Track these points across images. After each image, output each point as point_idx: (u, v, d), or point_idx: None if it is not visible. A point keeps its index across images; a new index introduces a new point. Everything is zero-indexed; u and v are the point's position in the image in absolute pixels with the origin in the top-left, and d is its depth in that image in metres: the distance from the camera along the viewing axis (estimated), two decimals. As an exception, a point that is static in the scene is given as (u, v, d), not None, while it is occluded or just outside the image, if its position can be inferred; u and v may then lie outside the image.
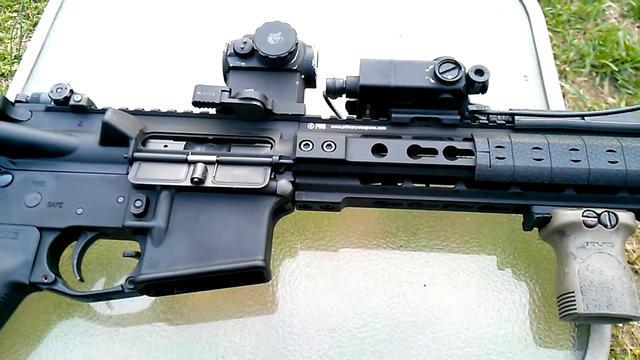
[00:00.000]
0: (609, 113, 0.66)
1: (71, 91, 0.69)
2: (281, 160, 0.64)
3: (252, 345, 0.65)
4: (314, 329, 0.66)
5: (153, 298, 0.67)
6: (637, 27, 1.85)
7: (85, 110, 0.69)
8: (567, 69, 1.72)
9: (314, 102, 0.72)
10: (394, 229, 0.72)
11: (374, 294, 0.68)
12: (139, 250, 0.62)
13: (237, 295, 0.67)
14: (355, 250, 0.71)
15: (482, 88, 0.65)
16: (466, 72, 0.64)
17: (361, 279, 0.69)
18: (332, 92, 0.69)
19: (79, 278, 0.63)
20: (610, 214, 0.61)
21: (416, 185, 0.65)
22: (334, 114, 0.70)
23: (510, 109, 0.68)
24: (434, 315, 0.66)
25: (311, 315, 0.67)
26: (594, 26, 1.83)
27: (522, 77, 0.87)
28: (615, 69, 1.69)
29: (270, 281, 0.63)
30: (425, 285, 0.68)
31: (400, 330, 0.65)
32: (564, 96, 1.65)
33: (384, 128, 0.67)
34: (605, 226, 0.61)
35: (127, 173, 0.64)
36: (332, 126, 0.68)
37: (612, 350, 1.28)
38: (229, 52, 0.69)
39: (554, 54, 1.75)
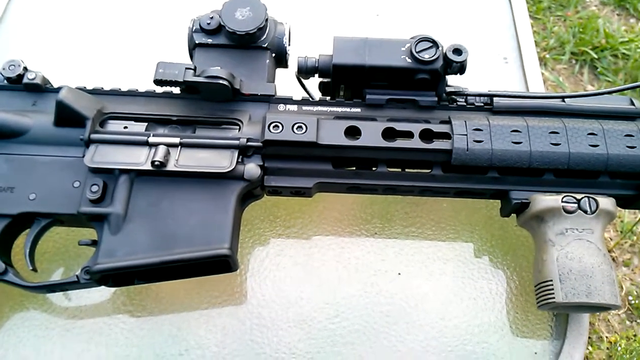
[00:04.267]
0: (590, 95, 0.64)
1: (25, 69, 0.64)
2: (249, 143, 0.60)
3: (217, 338, 0.61)
4: (283, 321, 0.63)
5: (113, 289, 0.64)
6: (617, 14, 1.85)
7: (40, 89, 0.64)
8: (547, 56, 1.71)
9: (286, 83, 0.68)
10: (368, 215, 0.70)
11: (346, 283, 0.65)
12: (97, 239, 0.58)
13: (202, 286, 0.64)
14: (328, 238, 0.68)
15: (460, 68, 0.62)
16: (444, 51, 0.62)
17: (333, 267, 0.66)
18: (304, 72, 0.65)
19: (31, 268, 0.59)
20: (591, 199, 0.59)
21: (391, 169, 0.62)
22: (306, 95, 0.67)
23: (489, 91, 0.65)
24: (408, 305, 0.64)
25: (281, 306, 0.64)
26: (574, 13, 1.82)
27: (501, 59, 0.84)
28: (595, 56, 1.69)
29: (238, 271, 0.60)
30: (399, 274, 0.66)
31: (373, 320, 0.63)
32: (543, 83, 1.64)
33: (358, 110, 0.64)
34: (585, 212, 0.59)
35: (84, 156, 0.59)
36: (304, 107, 0.64)
37: (588, 337, 1.28)
38: (194, 28, 0.65)
39: (534, 41, 1.75)
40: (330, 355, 0.61)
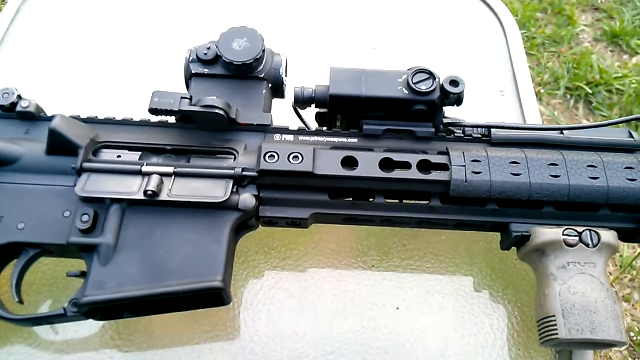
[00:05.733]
0: (589, 127, 0.64)
1: (19, 97, 0.63)
2: (244, 173, 0.59)
3: (209, 375, 0.59)
4: (277, 357, 0.60)
5: (102, 323, 0.61)
6: (611, 51, 1.87)
7: (34, 118, 0.63)
8: (542, 91, 1.73)
9: (283, 114, 0.68)
10: (365, 247, 0.68)
11: (343, 318, 0.63)
12: (86, 270, 0.57)
13: (194, 320, 0.62)
14: (324, 271, 0.66)
15: (458, 100, 0.62)
16: (441, 83, 0.61)
17: (330, 301, 0.64)
18: (300, 102, 0.65)
19: (17, 300, 0.57)
20: (592, 232, 0.58)
21: (389, 201, 0.61)
22: (303, 126, 0.67)
23: (487, 122, 0.65)
24: (407, 341, 0.62)
25: (274, 341, 0.61)
26: (568, 49, 1.85)
27: (498, 92, 0.84)
28: (590, 91, 1.71)
29: (231, 304, 0.58)
30: (398, 309, 0.64)
31: (370, 357, 0.61)
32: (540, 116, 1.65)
33: (355, 140, 0.64)
34: (587, 245, 0.57)
35: (75, 185, 0.58)
36: (301, 137, 0.64)
37: (591, 376, 1.25)
38: (191, 58, 0.65)
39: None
40: (325, 394, 0.59)
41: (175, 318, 0.60)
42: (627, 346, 1.28)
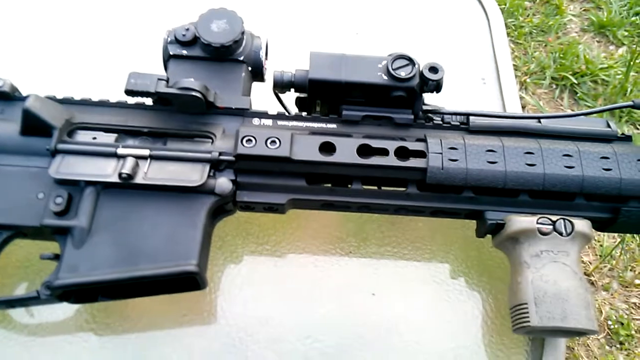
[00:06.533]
0: (566, 116, 0.64)
1: (-7, 76, 0.62)
2: (221, 157, 0.59)
3: (184, 359, 0.59)
4: (252, 342, 0.60)
5: (76, 306, 0.61)
6: (597, 41, 1.88)
7: (8, 97, 0.62)
8: (528, 80, 1.73)
9: (263, 98, 0.67)
10: (343, 234, 0.68)
11: (319, 303, 0.63)
12: (59, 253, 0.56)
13: (170, 304, 0.61)
14: (302, 256, 0.66)
15: (437, 87, 0.62)
16: (420, 69, 0.61)
17: (307, 286, 0.64)
18: (279, 86, 0.64)
19: (-11, 282, 0.57)
20: (566, 221, 0.58)
21: (366, 187, 0.61)
22: (282, 110, 0.66)
23: (465, 110, 0.65)
24: (381, 326, 0.62)
25: (251, 326, 0.61)
26: (555, 39, 1.85)
27: (480, 80, 0.84)
28: (575, 81, 1.71)
29: (207, 289, 0.58)
30: (374, 294, 0.64)
31: (346, 342, 0.61)
32: (523, 108, 1.66)
33: (334, 126, 0.63)
34: (561, 234, 0.58)
35: (50, 166, 0.57)
36: (279, 122, 0.63)
37: (566, 362, 1.27)
38: (169, 39, 0.64)
39: (515, 65, 1.77)
40: (299, 378, 0.59)
41: (151, 302, 0.60)
42: (605, 334, 1.30)
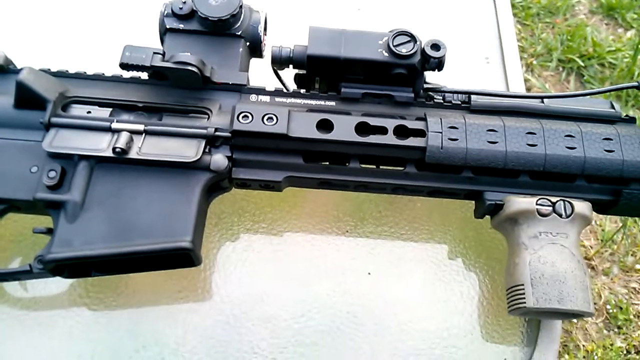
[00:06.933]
0: (569, 96, 0.62)
1: (-14, 48, 0.61)
2: (217, 133, 0.58)
3: (177, 334, 0.59)
4: (247, 319, 0.60)
5: (71, 280, 0.61)
6: (605, 24, 1.85)
7: (2, 70, 0.61)
8: (534, 62, 1.71)
9: (262, 74, 0.66)
10: (340, 213, 0.68)
11: (314, 282, 0.63)
12: (52, 227, 0.56)
13: (164, 280, 0.61)
14: (298, 235, 0.66)
15: (439, 64, 0.60)
16: (422, 46, 0.60)
17: (302, 265, 0.64)
18: (278, 62, 0.63)
19: (-17, 255, 0.57)
20: (566, 203, 0.58)
21: (364, 166, 0.60)
22: (280, 86, 0.65)
23: (467, 89, 0.63)
24: (376, 306, 0.62)
25: (245, 303, 0.61)
26: (563, 21, 1.82)
27: (483, 59, 0.83)
28: (582, 64, 1.69)
29: (202, 266, 0.58)
30: (369, 274, 0.64)
31: (339, 321, 0.61)
32: (529, 90, 1.63)
33: (333, 103, 0.62)
34: (560, 216, 0.57)
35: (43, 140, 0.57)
36: (277, 99, 0.62)
37: (565, 345, 1.27)
38: (166, 12, 0.63)
39: (521, 46, 1.74)
40: (293, 355, 0.59)
41: (145, 277, 0.60)
42: (604, 318, 1.30)
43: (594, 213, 0.61)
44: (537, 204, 0.57)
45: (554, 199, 0.58)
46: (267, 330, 0.60)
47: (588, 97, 0.64)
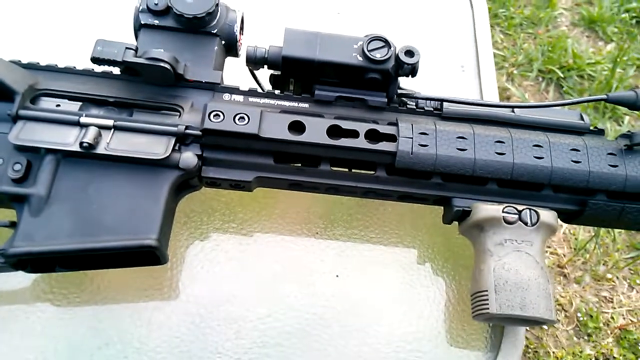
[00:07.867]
0: (539, 106, 0.63)
1: (-44, 37, 0.60)
2: (187, 131, 0.58)
3: (141, 333, 0.59)
4: (212, 319, 0.60)
5: (34, 275, 0.60)
6: (586, 36, 1.88)
7: (-29, 61, 0.60)
8: (515, 72, 1.73)
9: (238, 74, 0.66)
10: (311, 214, 0.68)
11: (282, 283, 0.63)
12: (16, 220, 0.55)
13: (130, 277, 0.61)
14: (267, 235, 0.66)
15: (412, 70, 0.61)
16: (396, 52, 0.60)
17: (270, 266, 0.64)
18: (252, 62, 0.63)
19: (-56, 248, 0.55)
20: (532, 211, 0.58)
21: (335, 168, 0.60)
22: (255, 86, 0.65)
23: (439, 96, 0.64)
24: (343, 308, 0.62)
25: (211, 302, 0.61)
26: (545, 32, 1.85)
27: (459, 67, 0.83)
28: (562, 75, 1.71)
29: (169, 264, 0.58)
30: (337, 276, 0.64)
31: (306, 322, 0.61)
32: (508, 99, 1.65)
33: (306, 105, 0.62)
34: (526, 224, 0.58)
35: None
36: (250, 99, 0.62)
37: (535, 352, 1.29)
38: (141, 7, 0.62)
39: (502, 56, 1.76)
40: (257, 356, 0.59)
41: (110, 274, 0.60)
42: (574, 325, 1.32)
43: (561, 222, 0.62)
44: (503, 212, 0.58)
45: (520, 207, 0.58)
46: (232, 331, 0.60)
47: (558, 107, 0.65)
